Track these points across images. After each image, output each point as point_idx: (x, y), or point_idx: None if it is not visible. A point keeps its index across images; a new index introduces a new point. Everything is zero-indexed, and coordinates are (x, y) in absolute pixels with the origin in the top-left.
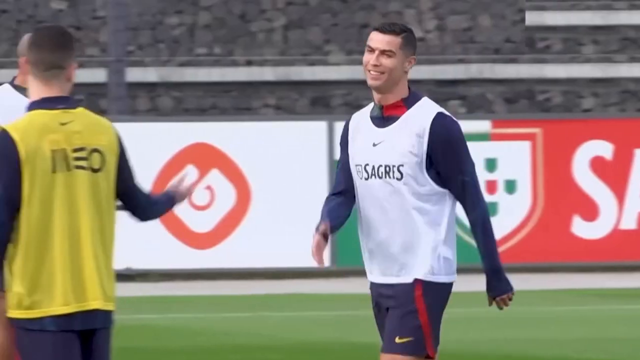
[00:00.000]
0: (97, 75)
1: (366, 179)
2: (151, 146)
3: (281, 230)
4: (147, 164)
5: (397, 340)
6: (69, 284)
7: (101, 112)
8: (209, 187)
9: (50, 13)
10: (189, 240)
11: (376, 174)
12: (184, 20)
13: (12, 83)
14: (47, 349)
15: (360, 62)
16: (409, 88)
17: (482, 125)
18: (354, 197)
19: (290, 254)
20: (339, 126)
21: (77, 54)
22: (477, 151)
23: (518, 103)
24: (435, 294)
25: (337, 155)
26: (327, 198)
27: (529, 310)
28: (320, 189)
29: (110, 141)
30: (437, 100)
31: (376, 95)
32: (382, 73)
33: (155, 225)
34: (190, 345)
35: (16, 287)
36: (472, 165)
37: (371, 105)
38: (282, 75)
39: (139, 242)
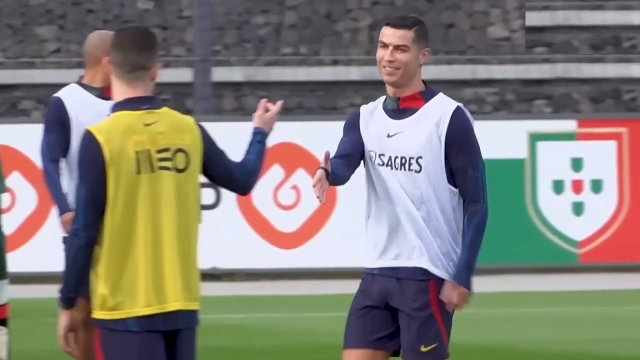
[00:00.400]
0: (183, 74)
1: (380, 165)
2: (237, 145)
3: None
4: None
5: (422, 349)
6: (150, 285)
7: (187, 111)
8: (294, 187)
9: (137, 13)
10: (274, 239)
11: (392, 165)
12: (270, 20)
13: (79, 82)
14: (131, 349)
15: (446, 62)
16: (423, 82)
17: (568, 125)
18: (357, 162)
19: None
20: None
21: (163, 53)
22: (563, 151)
23: (604, 102)
24: None
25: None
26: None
27: (618, 310)
28: None
29: (195, 140)
30: (522, 100)
31: (390, 89)
32: (398, 69)
33: (241, 225)
34: (275, 344)
35: (100, 288)
36: (484, 165)
37: (381, 99)
38: (367, 74)
39: (224, 242)
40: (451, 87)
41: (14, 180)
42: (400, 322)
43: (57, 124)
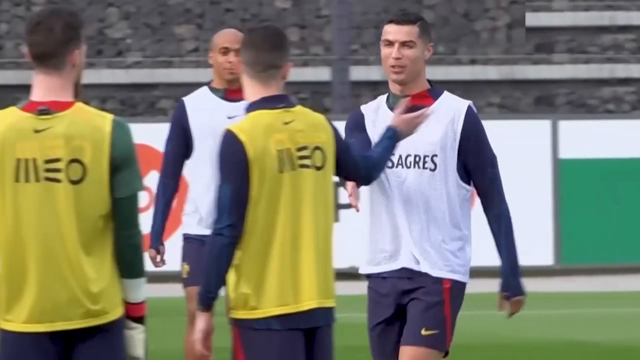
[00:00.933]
0: (321, 73)
1: (390, 167)
2: None
3: None
4: None
5: (423, 332)
6: (288, 284)
7: (324, 110)
8: None
9: (275, 12)
10: None
11: (403, 163)
12: None
13: (208, 84)
14: (273, 347)
15: (584, 61)
16: (428, 81)
17: None
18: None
19: None
20: (564, 125)
21: (301, 52)
22: None
23: None
24: (459, 293)
25: (562, 154)
26: None
27: None
28: (543, 187)
29: (329, 137)
30: None
31: (397, 87)
32: (404, 66)
33: None
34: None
35: (242, 287)
36: (497, 160)
37: (381, 98)
38: (505, 74)
39: (363, 241)
40: (589, 87)
41: (153, 179)
42: (408, 311)
43: (178, 127)
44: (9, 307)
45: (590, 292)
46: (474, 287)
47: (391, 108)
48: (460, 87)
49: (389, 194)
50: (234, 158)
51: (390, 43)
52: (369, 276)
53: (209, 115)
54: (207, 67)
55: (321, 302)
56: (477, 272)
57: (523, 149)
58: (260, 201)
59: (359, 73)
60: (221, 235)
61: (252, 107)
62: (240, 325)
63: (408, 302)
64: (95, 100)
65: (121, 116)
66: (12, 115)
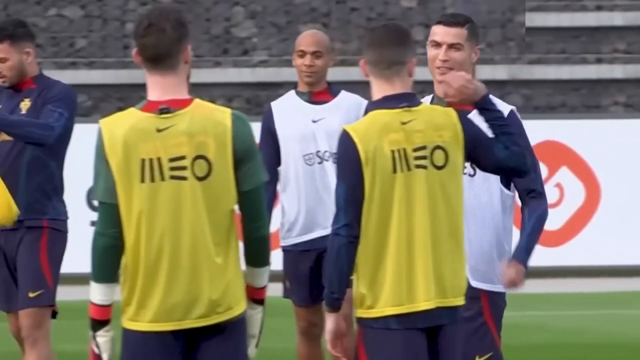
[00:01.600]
0: None
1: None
2: None
3: (631, 228)
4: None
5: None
6: (403, 284)
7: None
8: (558, 185)
9: (400, 11)
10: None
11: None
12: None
13: (295, 89)
14: (394, 346)
15: None
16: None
17: None
18: None
19: None
20: None
21: (426, 52)
22: None
23: None
24: (498, 304)
25: None
26: None
27: None
28: None
29: (455, 135)
30: None
31: (441, 89)
32: (451, 68)
33: None
34: (544, 342)
35: (360, 287)
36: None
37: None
38: (631, 72)
39: None
40: None
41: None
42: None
43: (267, 133)
44: (135, 307)
45: None
46: (600, 286)
47: None
48: (585, 86)
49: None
50: (348, 158)
51: (437, 44)
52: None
53: (293, 119)
54: (333, 67)
55: (442, 302)
56: (605, 272)
57: None
58: (374, 201)
59: (485, 72)
60: (338, 235)
61: (373, 106)
62: (361, 324)
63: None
64: (222, 99)
65: (247, 115)
66: (133, 117)
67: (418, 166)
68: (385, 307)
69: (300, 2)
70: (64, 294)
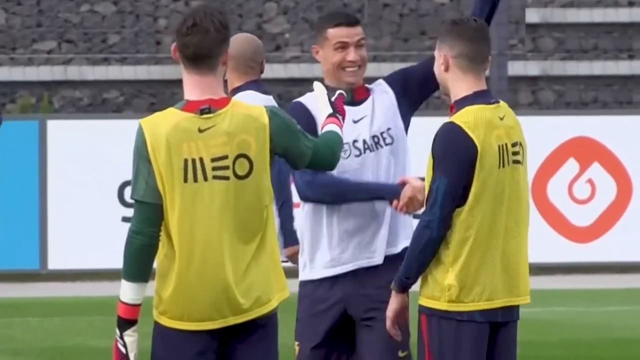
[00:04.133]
0: None
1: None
2: (532, 140)
3: None
4: (528, 158)
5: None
6: (499, 279)
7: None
8: (589, 181)
9: (433, 7)
10: (569, 234)
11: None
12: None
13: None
14: (469, 339)
15: None
16: None
17: None
18: None
19: None
20: None
21: None
22: None
23: None
24: None
25: None
26: None
27: None
28: None
29: (522, 133)
30: None
31: (350, 84)
32: (360, 66)
33: (536, 219)
34: (571, 338)
35: (448, 279)
36: None
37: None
38: None
39: None
40: None
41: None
42: None
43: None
44: (170, 305)
45: None
46: (630, 282)
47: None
48: (617, 82)
49: None
50: (459, 152)
51: (344, 44)
52: None
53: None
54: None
55: (517, 299)
56: (636, 268)
57: None
58: (483, 197)
59: (516, 68)
60: (429, 228)
61: (466, 101)
62: (436, 315)
63: None
64: None
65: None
66: (174, 117)
67: (515, 161)
68: (478, 302)
69: None
70: (95, 289)
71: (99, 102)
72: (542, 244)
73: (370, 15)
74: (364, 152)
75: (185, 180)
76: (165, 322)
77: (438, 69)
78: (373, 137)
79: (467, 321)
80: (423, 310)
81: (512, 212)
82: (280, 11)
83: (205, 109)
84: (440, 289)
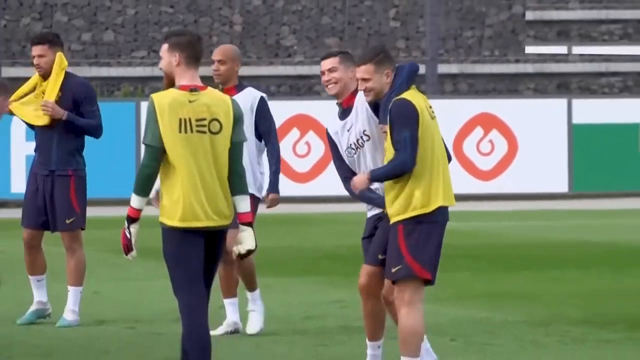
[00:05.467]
0: None
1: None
2: (453, 114)
3: (541, 167)
4: (451, 127)
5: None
6: (448, 186)
7: None
8: (490, 141)
9: (389, 29)
10: (477, 175)
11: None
12: None
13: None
14: (436, 235)
15: None
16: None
17: None
18: None
19: None
20: None
21: None
22: None
23: None
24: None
25: None
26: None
27: None
28: None
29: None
30: None
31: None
32: (336, 83)
33: (455, 166)
34: (481, 242)
35: (414, 194)
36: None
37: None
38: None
39: None
40: None
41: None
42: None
43: None
44: (171, 210)
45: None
46: (512, 206)
47: (338, 114)
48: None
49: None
50: (412, 113)
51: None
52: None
53: None
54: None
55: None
56: (521, 197)
57: None
58: (424, 139)
59: (443, 68)
60: (405, 163)
61: (401, 88)
62: (409, 223)
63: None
64: (274, 85)
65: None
66: (173, 93)
67: (434, 117)
68: (437, 204)
69: (325, 22)
70: (109, 212)
71: None
72: (460, 181)
73: (349, 36)
74: (356, 151)
75: (179, 132)
76: (166, 221)
77: (382, 80)
78: (357, 140)
79: (432, 222)
80: (398, 224)
81: (440, 147)
82: (290, 31)
83: (194, 89)
84: (407, 205)
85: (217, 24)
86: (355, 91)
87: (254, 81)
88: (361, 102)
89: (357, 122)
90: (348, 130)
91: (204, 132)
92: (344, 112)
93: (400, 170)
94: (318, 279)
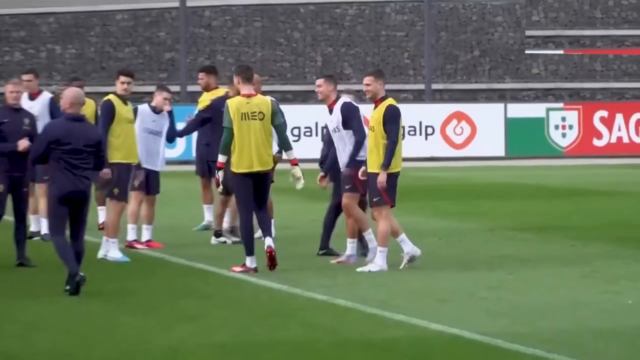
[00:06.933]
0: None
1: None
2: (436, 112)
3: None
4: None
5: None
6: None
7: None
8: (461, 127)
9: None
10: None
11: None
12: None
13: None
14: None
15: None
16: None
17: None
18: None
19: None
20: None
21: None
22: None
23: None
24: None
25: None
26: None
27: None
28: None
29: None
30: None
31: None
32: (321, 93)
33: (440, 145)
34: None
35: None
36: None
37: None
38: None
39: None
40: None
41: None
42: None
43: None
44: (237, 163)
45: None
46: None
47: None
48: None
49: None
50: (399, 114)
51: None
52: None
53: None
54: None
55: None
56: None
57: None
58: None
59: (437, 85)
60: (395, 143)
61: (385, 97)
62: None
63: None
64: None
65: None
66: (239, 98)
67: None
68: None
69: (367, 60)
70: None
71: None
72: (444, 150)
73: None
74: (334, 134)
75: (241, 120)
76: (235, 169)
77: (377, 85)
78: (334, 129)
79: (396, 174)
80: (375, 174)
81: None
82: (349, 65)
83: (249, 96)
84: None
85: (308, 61)
86: (336, 100)
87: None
88: (337, 108)
89: (334, 119)
90: (331, 122)
91: (255, 119)
92: (330, 111)
93: (393, 150)
94: None
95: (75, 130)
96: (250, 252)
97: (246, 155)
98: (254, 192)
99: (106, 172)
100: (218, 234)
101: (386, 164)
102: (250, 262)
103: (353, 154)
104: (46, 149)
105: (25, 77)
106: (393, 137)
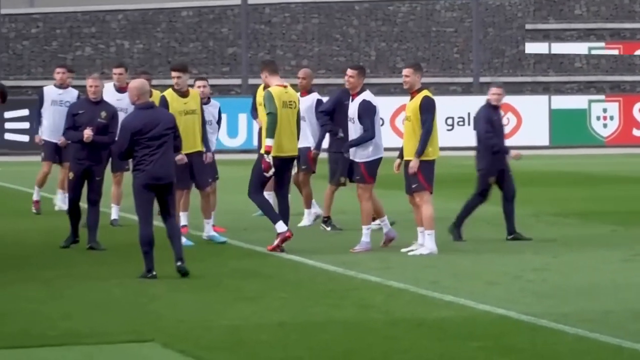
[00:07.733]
0: None
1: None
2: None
3: None
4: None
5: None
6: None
7: None
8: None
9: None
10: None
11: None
12: None
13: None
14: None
15: None
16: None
17: None
18: None
19: None
20: None
21: None
22: None
23: None
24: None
25: None
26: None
27: None
28: None
29: None
30: None
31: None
32: (351, 83)
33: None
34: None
35: (429, 148)
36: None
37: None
38: None
39: None
40: None
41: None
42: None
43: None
44: (276, 148)
45: None
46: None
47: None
48: None
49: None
50: (434, 104)
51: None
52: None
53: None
54: None
55: None
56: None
57: None
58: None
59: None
60: (429, 133)
61: (422, 88)
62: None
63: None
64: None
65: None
66: (278, 88)
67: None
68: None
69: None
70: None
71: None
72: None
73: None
74: (352, 123)
75: (282, 107)
76: (275, 153)
77: (414, 77)
78: (350, 119)
79: (433, 161)
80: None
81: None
82: (400, 60)
83: (284, 86)
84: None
85: (362, 55)
86: (360, 91)
87: (378, 87)
88: (357, 100)
89: (352, 108)
90: (350, 111)
91: (291, 107)
92: (351, 100)
93: (428, 138)
94: None
95: (153, 117)
96: (275, 220)
97: (286, 140)
98: (283, 177)
99: (180, 158)
100: (325, 221)
101: (419, 151)
102: (280, 227)
103: (354, 142)
104: (131, 142)
105: (116, 70)
106: (428, 127)
